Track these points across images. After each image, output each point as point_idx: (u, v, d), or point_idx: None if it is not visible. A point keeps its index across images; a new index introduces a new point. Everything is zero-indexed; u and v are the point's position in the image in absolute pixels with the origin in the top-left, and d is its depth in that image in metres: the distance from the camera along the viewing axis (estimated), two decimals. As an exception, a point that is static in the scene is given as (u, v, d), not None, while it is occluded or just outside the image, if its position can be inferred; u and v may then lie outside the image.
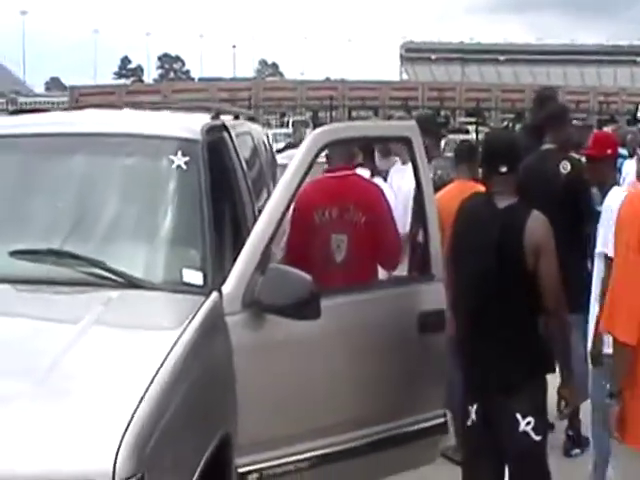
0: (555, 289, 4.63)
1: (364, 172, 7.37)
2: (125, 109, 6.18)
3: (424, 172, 5.12)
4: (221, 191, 5.17)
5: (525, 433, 4.62)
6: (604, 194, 5.91)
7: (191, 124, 5.01)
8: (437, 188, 7.11)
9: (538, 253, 4.62)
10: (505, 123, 46.20)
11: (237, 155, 5.39)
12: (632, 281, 4.06)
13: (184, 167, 4.63)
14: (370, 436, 4.82)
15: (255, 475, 4.37)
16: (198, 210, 4.52)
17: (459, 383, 5.13)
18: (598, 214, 5.65)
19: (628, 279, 4.09)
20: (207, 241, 4.42)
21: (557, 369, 4.85)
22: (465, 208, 5.02)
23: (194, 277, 4.32)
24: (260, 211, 4.74)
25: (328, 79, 78.41)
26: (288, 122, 51.73)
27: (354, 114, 54.17)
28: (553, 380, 4.85)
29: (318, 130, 4.86)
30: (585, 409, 5.96)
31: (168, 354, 3.63)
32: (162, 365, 3.55)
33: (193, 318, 3.97)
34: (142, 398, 3.33)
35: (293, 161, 4.65)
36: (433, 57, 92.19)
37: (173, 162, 4.64)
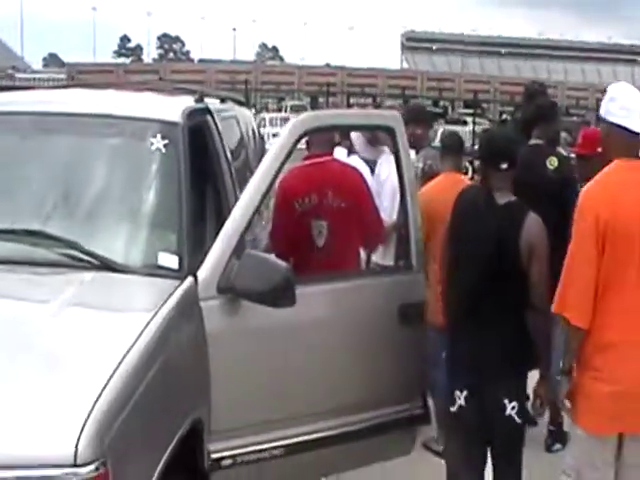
0: (543, 288, 4.71)
1: (341, 151, 7.47)
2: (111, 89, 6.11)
3: (406, 162, 5.10)
4: (202, 175, 5.14)
5: (510, 417, 4.84)
6: None
7: (173, 107, 4.96)
8: (428, 178, 7.11)
9: (532, 252, 4.74)
10: (504, 116, 46.15)
11: (220, 139, 5.35)
12: (585, 268, 4.27)
13: (163, 150, 4.60)
14: (347, 425, 4.81)
15: (229, 461, 4.35)
16: (176, 193, 4.48)
17: (442, 372, 5.19)
18: None
19: (581, 266, 4.29)
20: (184, 225, 4.39)
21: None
22: (464, 200, 5.09)
23: (169, 261, 4.29)
24: None
25: (328, 65, 78.33)
26: (286, 106, 51.71)
27: (353, 101, 54.12)
28: (535, 374, 4.92)
29: (299, 117, 4.82)
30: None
31: (137, 338, 3.60)
32: (130, 349, 3.52)
33: (165, 302, 3.94)
34: (108, 382, 3.31)
35: (272, 147, 4.62)
36: (434, 47, 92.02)
37: (152, 144, 4.60)
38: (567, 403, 4.48)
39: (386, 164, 7.80)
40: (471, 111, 47.53)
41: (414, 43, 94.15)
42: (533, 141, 6.99)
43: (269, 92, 62.18)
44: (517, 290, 4.78)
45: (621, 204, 4.33)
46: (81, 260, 4.22)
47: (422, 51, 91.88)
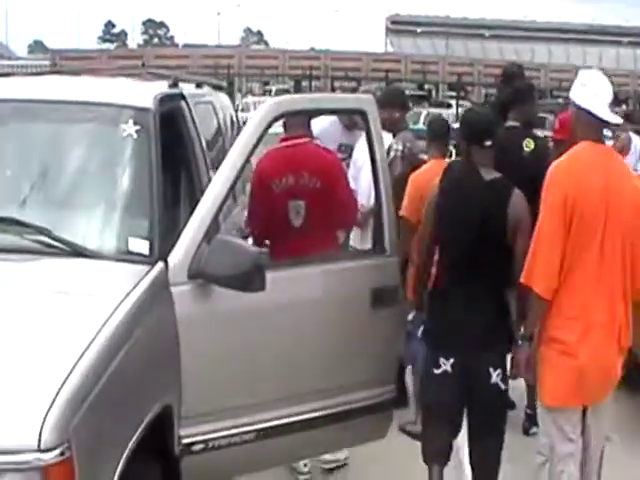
0: (523, 263, 4.79)
1: None
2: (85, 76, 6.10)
3: (379, 146, 5.10)
4: (174, 161, 5.15)
5: (496, 384, 5.06)
6: None
7: (145, 93, 4.95)
8: (410, 160, 7.11)
9: (518, 226, 4.95)
10: (489, 99, 46.16)
11: (194, 125, 5.35)
12: (552, 240, 4.50)
13: (135, 135, 4.58)
14: (319, 410, 4.81)
15: (200, 446, 4.35)
16: (147, 179, 4.47)
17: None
18: None
19: (549, 238, 4.51)
20: (155, 210, 4.38)
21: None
22: (450, 177, 5.23)
23: (140, 246, 4.29)
24: None
25: (313, 49, 78.18)
26: (271, 90, 51.60)
27: (337, 84, 54.02)
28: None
29: (271, 101, 4.82)
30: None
31: (104, 324, 3.61)
32: (97, 334, 3.53)
33: (135, 287, 3.94)
34: (74, 367, 3.32)
35: (244, 131, 4.62)
36: (419, 30, 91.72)
37: (124, 130, 4.59)
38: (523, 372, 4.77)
39: (364, 149, 7.81)
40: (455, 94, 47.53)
41: (399, 26, 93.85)
42: (510, 123, 6.99)
43: (254, 76, 62.05)
44: (501, 263, 4.97)
45: (587, 184, 4.54)
46: (51, 246, 4.21)
47: (407, 34, 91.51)
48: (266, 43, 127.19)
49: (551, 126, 14.12)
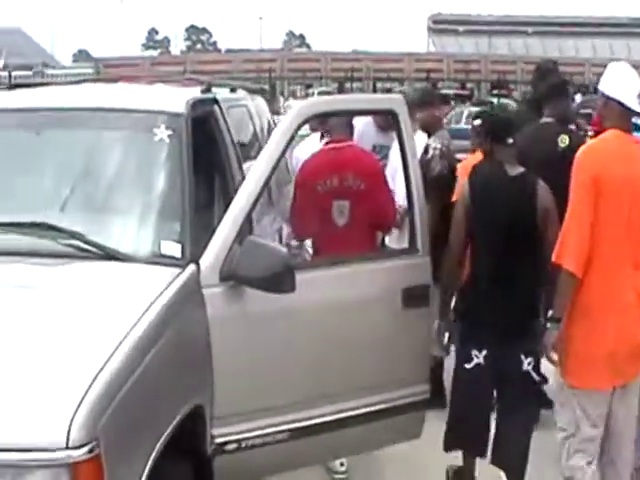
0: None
1: (315, 136, 7.85)
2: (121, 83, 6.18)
3: (410, 146, 5.12)
4: (208, 165, 5.22)
5: (527, 372, 5.20)
6: None
7: (177, 98, 5.02)
8: (448, 160, 7.13)
9: (547, 216, 5.16)
10: (526, 95, 45.86)
11: (227, 129, 5.40)
12: (583, 219, 4.62)
13: (167, 140, 4.66)
14: (351, 410, 4.84)
15: (233, 445, 4.40)
16: (179, 183, 4.54)
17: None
18: None
19: (578, 218, 4.63)
20: (187, 214, 4.44)
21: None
22: (479, 175, 5.46)
23: (172, 249, 4.35)
24: None
25: (355, 51, 78.17)
26: (313, 93, 51.71)
27: (379, 85, 53.98)
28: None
29: (301, 103, 4.87)
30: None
31: (134, 325, 3.67)
32: (127, 335, 3.59)
33: (166, 289, 4.01)
34: (103, 367, 3.39)
35: (274, 134, 4.67)
36: (461, 29, 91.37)
37: (156, 135, 4.67)
38: (554, 355, 4.82)
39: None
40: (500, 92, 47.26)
41: (441, 25, 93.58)
42: (544, 119, 6.99)
43: (296, 80, 62.19)
44: (531, 255, 5.18)
45: (613, 168, 4.71)
46: (85, 250, 4.29)
47: (449, 33, 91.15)
48: (308, 46, 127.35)
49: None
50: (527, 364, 5.19)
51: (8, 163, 4.89)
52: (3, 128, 4.97)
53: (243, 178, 5.21)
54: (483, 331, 5.25)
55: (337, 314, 4.74)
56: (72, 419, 3.17)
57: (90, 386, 3.29)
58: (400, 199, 6.92)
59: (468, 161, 6.88)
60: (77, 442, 3.14)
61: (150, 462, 3.50)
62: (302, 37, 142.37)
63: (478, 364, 5.25)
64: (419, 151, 6.75)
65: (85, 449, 3.15)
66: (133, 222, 4.56)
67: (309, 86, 60.87)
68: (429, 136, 7.43)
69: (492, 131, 5.53)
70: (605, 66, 4.98)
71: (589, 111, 21.08)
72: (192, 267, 4.26)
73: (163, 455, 3.62)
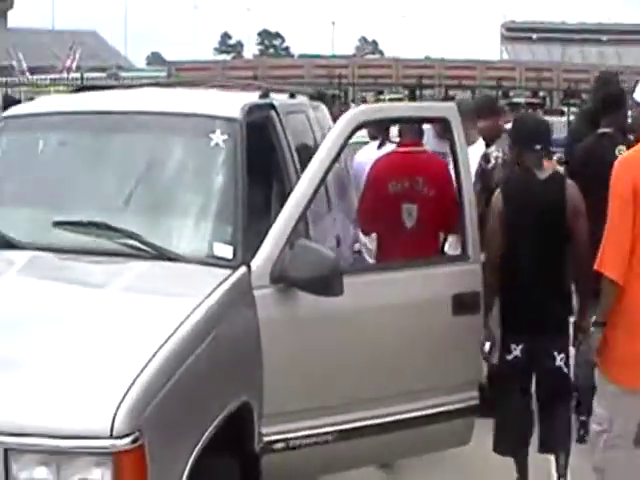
0: (588, 242, 5.28)
1: (373, 144, 8.01)
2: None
3: (462, 154, 5.16)
4: (262, 169, 5.30)
5: (559, 367, 5.56)
6: None
7: (234, 103, 5.12)
8: (510, 167, 7.15)
9: (578, 213, 5.49)
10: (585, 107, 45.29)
11: (285, 134, 5.48)
12: (623, 228, 4.72)
13: (222, 145, 4.77)
14: (399, 414, 4.88)
15: (281, 444, 4.48)
16: (233, 187, 4.65)
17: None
18: None
19: (620, 226, 4.74)
20: (240, 217, 4.56)
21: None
22: (510, 180, 5.84)
23: (224, 251, 4.46)
24: None
25: (428, 58, 78.01)
26: (384, 100, 51.68)
27: (451, 93, 53.81)
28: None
29: (353, 110, 4.95)
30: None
31: (183, 322, 3.80)
32: (175, 331, 3.72)
33: (215, 289, 4.12)
34: (149, 361, 3.52)
35: (327, 140, 4.76)
36: (534, 37, 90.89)
37: (211, 140, 4.78)
38: (595, 357, 4.95)
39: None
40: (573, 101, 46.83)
41: (514, 33, 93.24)
42: (602, 130, 6.98)
43: (368, 86, 62.26)
44: (563, 251, 5.52)
45: None
46: (141, 250, 4.43)
47: (522, 41, 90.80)
48: (381, 52, 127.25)
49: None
50: (559, 360, 5.53)
51: (70, 164, 5.06)
52: (66, 130, 5.14)
53: (298, 183, 5.34)
54: (520, 327, 5.53)
55: (387, 319, 4.80)
56: (117, 409, 3.30)
57: (136, 378, 3.42)
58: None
59: None
60: (121, 432, 3.27)
61: (194, 456, 3.61)
62: (375, 43, 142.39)
63: (516, 356, 5.56)
64: (476, 160, 6.85)
65: (129, 439, 3.28)
66: (187, 224, 4.69)
67: (380, 92, 60.84)
68: (487, 145, 7.46)
69: (519, 137, 5.81)
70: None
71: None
72: (243, 269, 4.37)
73: (208, 450, 3.72)
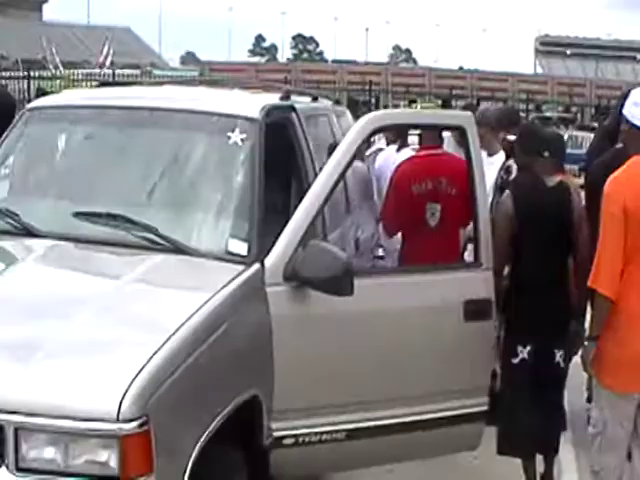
0: (589, 253, 5.26)
1: (392, 147, 8.22)
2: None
3: (476, 162, 5.22)
4: (281, 169, 5.39)
5: (558, 362, 5.76)
6: None
7: (254, 103, 5.22)
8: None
9: (582, 219, 5.70)
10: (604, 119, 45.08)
11: (304, 136, 5.55)
12: (615, 246, 4.86)
13: (240, 143, 4.86)
14: (409, 415, 4.93)
15: (291, 440, 4.56)
16: (250, 185, 4.75)
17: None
18: None
19: (611, 245, 4.88)
20: (255, 215, 4.65)
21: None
22: (520, 186, 5.95)
23: (239, 247, 4.55)
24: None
25: (461, 68, 77.95)
26: (417, 108, 51.67)
27: (483, 105, 53.62)
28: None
29: (369, 115, 5.02)
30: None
31: (194, 314, 3.90)
32: (185, 322, 3.83)
33: (227, 284, 4.21)
34: (159, 349, 3.62)
35: (343, 143, 4.84)
36: (568, 52, 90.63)
37: (230, 138, 4.87)
38: (590, 369, 5.09)
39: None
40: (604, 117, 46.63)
41: (548, 47, 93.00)
42: (620, 145, 7.01)
43: (400, 94, 62.26)
44: (566, 256, 5.72)
45: None
46: (157, 243, 4.54)
47: (556, 55, 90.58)
48: (414, 61, 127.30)
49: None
50: (559, 356, 5.71)
51: (92, 157, 5.18)
52: (89, 123, 5.26)
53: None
54: (527, 328, 5.66)
55: (398, 321, 4.87)
56: (125, 394, 3.41)
57: (145, 365, 3.52)
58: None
59: None
60: (128, 416, 3.38)
61: (200, 444, 3.71)
62: (408, 51, 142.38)
63: (523, 359, 5.68)
64: (496, 170, 6.91)
65: (135, 423, 3.39)
66: (204, 219, 4.78)
67: (412, 101, 60.76)
68: (508, 157, 7.51)
69: (527, 145, 5.98)
70: None
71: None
72: (257, 265, 4.45)
73: (215, 440, 3.82)
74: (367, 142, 4.94)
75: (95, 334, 3.76)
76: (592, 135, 34.24)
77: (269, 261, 4.48)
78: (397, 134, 8.07)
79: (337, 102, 7.43)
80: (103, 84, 5.91)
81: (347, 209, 6.60)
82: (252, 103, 5.27)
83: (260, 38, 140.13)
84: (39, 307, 3.97)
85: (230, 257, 4.51)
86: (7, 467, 3.41)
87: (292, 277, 4.46)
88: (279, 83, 7.15)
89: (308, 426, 4.62)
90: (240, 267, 4.42)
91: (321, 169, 5.59)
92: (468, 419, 5.17)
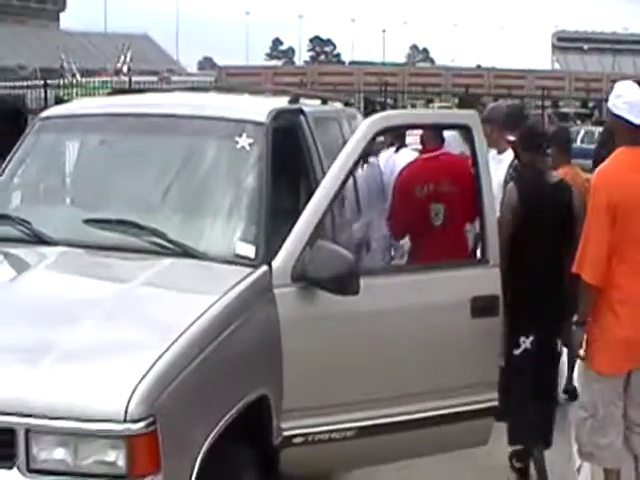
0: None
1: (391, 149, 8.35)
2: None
3: (482, 160, 5.27)
4: (289, 173, 5.45)
5: (557, 350, 6.04)
6: None
7: (261, 108, 5.28)
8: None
9: (579, 215, 5.76)
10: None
11: (313, 139, 5.60)
12: (599, 237, 5.13)
13: (247, 148, 4.93)
14: (418, 412, 4.97)
15: (300, 439, 4.61)
16: (257, 189, 4.82)
17: None
18: None
19: (596, 235, 5.14)
20: (263, 218, 4.72)
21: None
22: (525, 181, 6.14)
23: (247, 250, 4.62)
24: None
25: (479, 66, 77.85)
26: (434, 108, 51.59)
27: (501, 102, 53.46)
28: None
29: (373, 117, 5.08)
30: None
31: (201, 315, 3.97)
32: (193, 323, 3.90)
33: (235, 286, 4.29)
34: (166, 350, 3.70)
35: (348, 144, 4.89)
36: (585, 47, 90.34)
37: (237, 143, 4.94)
38: (581, 351, 5.38)
39: (491, 164, 7.98)
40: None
41: (565, 43, 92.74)
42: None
43: (418, 94, 62.22)
44: (563, 250, 5.81)
45: (629, 186, 5.16)
46: (166, 248, 4.62)
47: (573, 51, 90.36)
48: (432, 61, 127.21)
49: None
50: (559, 346, 5.96)
51: (102, 164, 5.29)
52: (99, 131, 5.35)
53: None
54: (529, 318, 5.87)
55: (406, 319, 4.92)
56: (132, 394, 3.48)
57: (152, 367, 3.60)
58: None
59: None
60: (135, 416, 3.45)
61: (208, 443, 3.77)
62: (426, 51, 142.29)
63: (526, 349, 5.91)
64: (505, 168, 6.96)
65: (142, 424, 3.46)
66: (212, 223, 4.85)
67: (430, 101, 60.78)
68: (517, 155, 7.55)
69: (529, 142, 6.22)
70: None
71: None
72: (264, 267, 4.52)
73: (224, 439, 3.88)
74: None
75: (104, 337, 3.84)
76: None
77: (276, 263, 4.55)
78: (394, 136, 8.22)
79: (347, 104, 7.48)
80: (114, 92, 5.99)
81: (359, 209, 6.65)
82: (259, 107, 5.34)
83: (277, 41, 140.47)
84: (50, 312, 4.06)
85: (238, 260, 4.58)
86: (18, 468, 3.48)
87: (300, 278, 4.52)
88: (293, 86, 7.17)
89: (318, 425, 4.67)
90: (248, 270, 4.49)
91: (329, 171, 5.70)
92: (478, 415, 5.21)
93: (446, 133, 7.63)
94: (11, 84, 30.51)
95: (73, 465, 3.47)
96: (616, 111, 5.25)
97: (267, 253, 4.59)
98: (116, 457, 3.44)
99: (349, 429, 4.78)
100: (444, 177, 6.68)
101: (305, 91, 6.42)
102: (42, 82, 30.13)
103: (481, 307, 5.10)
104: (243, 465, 4.18)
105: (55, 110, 5.85)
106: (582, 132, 30.17)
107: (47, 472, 3.49)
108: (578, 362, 5.81)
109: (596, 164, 7.79)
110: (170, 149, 5.19)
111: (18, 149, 5.41)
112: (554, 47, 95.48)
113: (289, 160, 5.35)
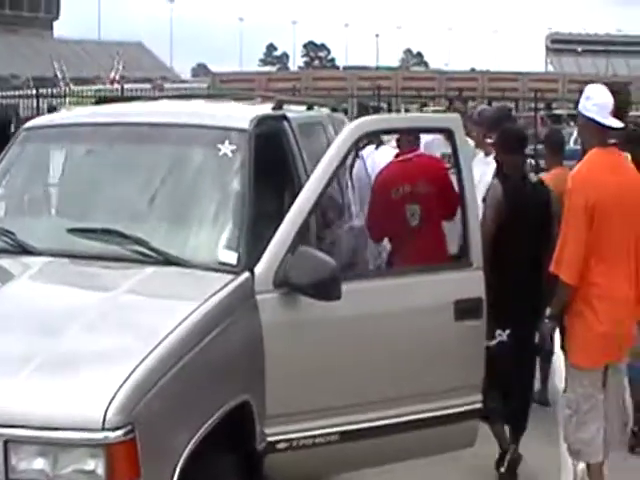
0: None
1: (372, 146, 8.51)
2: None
3: (465, 162, 5.28)
4: (273, 179, 5.46)
5: (536, 345, 6.09)
6: None
7: (244, 115, 5.30)
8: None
9: (557, 216, 5.86)
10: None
11: (297, 145, 5.62)
12: (575, 238, 5.28)
13: (229, 155, 4.94)
14: (402, 416, 4.99)
15: (284, 444, 4.63)
16: (240, 196, 4.84)
17: None
18: None
19: (573, 236, 5.30)
20: (245, 224, 4.74)
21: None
22: (508, 180, 6.37)
23: (229, 257, 4.64)
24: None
25: (473, 70, 77.85)
26: (428, 112, 51.56)
27: (495, 105, 53.47)
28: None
29: (356, 121, 5.10)
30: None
31: (181, 322, 4.00)
32: (173, 331, 3.92)
33: (216, 293, 4.31)
34: (145, 358, 3.71)
35: (330, 149, 4.91)
36: (579, 49, 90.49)
37: (220, 150, 4.96)
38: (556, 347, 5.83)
39: (479, 167, 8.01)
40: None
41: (559, 45, 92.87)
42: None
43: (412, 98, 62.22)
44: (542, 248, 6.02)
45: (604, 186, 5.32)
46: (149, 256, 4.64)
47: (567, 53, 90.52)
48: (426, 65, 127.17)
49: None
50: (537, 338, 5.97)
51: (86, 174, 5.32)
52: (82, 141, 5.37)
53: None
54: (507, 312, 5.97)
55: (388, 323, 4.94)
56: (110, 402, 3.50)
57: (130, 375, 3.62)
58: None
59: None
60: (113, 424, 3.47)
61: (188, 450, 3.79)
62: (420, 55, 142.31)
63: (502, 342, 6.15)
64: (492, 169, 6.99)
65: (120, 432, 3.48)
66: (196, 231, 4.88)
67: (424, 105, 60.76)
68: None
69: (518, 147, 6.53)
70: None
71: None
72: (246, 274, 4.54)
73: (206, 446, 3.90)
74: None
75: (84, 346, 3.86)
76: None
77: (259, 269, 4.56)
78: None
79: (335, 110, 7.49)
80: (99, 101, 6.03)
81: (348, 212, 6.66)
82: (242, 114, 5.36)
83: (271, 47, 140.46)
84: (33, 322, 4.09)
85: (220, 267, 4.60)
86: None
87: (282, 284, 4.54)
88: (287, 92, 7.20)
89: (301, 430, 4.68)
90: (230, 276, 4.50)
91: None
92: (463, 417, 5.24)
93: (427, 136, 7.76)
94: (3, 94, 30.51)
95: (52, 475, 3.49)
96: (586, 113, 5.39)
97: (249, 260, 4.61)
98: (95, 466, 3.46)
99: (333, 434, 4.80)
100: (419, 178, 6.78)
101: (290, 97, 6.41)
102: (33, 92, 30.13)
103: (465, 310, 5.12)
104: (225, 471, 4.19)
105: (39, 120, 5.89)
106: (575, 134, 30.16)
107: None
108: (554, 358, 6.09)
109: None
110: (154, 157, 5.21)
111: (2, 160, 5.43)
112: (548, 49, 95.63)
113: (272, 166, 5.36)
